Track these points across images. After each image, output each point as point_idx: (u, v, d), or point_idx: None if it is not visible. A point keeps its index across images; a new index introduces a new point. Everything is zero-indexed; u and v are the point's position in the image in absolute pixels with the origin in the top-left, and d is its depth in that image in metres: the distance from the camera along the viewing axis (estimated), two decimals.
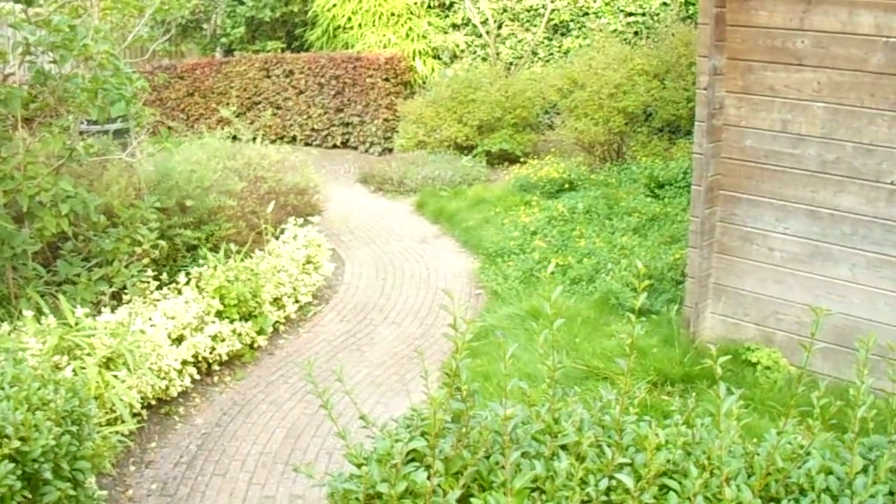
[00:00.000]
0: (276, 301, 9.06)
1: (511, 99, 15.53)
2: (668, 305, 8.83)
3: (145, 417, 7.23)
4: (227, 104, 18.44)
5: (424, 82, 17.74)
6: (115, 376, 6.54)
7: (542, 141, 16.50)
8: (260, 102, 18.59)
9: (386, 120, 17.19)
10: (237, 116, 18.60)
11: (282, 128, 18.46)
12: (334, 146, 18.07)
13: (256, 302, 8.56)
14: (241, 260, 8.90)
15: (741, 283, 7.93)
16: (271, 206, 9.88)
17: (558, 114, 16.84)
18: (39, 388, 4.48)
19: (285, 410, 7.65)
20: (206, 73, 18.90)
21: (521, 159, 15.61)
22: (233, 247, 9.08)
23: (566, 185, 13.01)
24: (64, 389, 4.56)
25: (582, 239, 10.85)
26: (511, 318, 8.81)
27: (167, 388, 7.35)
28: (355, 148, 17.82)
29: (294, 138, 18.47)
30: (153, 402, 7.34)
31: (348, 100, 17.60)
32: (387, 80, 17.13)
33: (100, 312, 7.67)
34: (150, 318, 7.62)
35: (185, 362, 7.59)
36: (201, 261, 8.89)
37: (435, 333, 9.18)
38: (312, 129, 18.19)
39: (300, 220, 10.47)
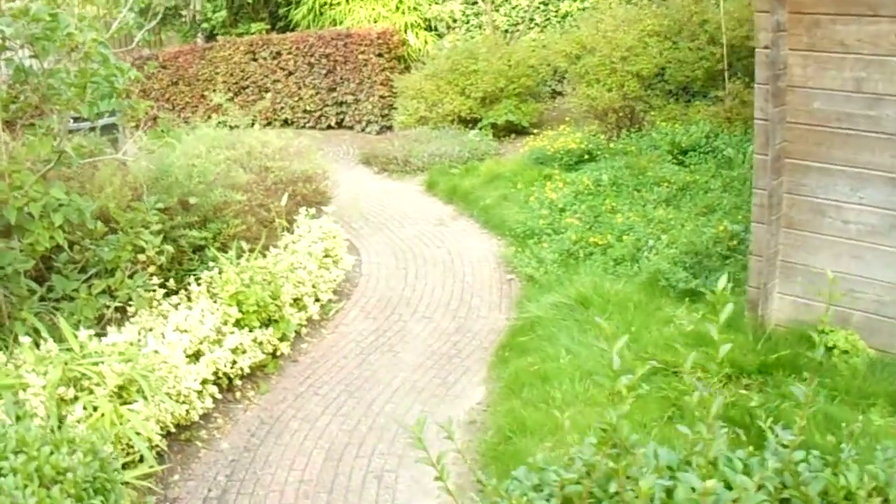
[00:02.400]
0: (296, 302, 8.09)
1: (514, 68, 14.53)
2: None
3: (164, 447, 6.27)
4: (214, 90, 17.45)
5: (418, 56, 16.72)
6: (131, 409, 5.57)
7: (548, 110, 15.53)
8: (248, 87, 17.55)
9: (382, 97, 16.19)
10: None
11: (272, 111, 17.44)
12: (329, 127, 17.07)
13: (276, 305, 7.59)
14: (255, 259, 7.93)
15: (813, 259, 6.99)
16: (285, 199, 8.90)
17: (561, 81, 15.88)
18: (52, 454, 3.51)
19: (320, 428, 6.71)
20: (189, 61, 17.83)
21: (529, 130, 14.65)
22: (244, 245, 8.09)
23: (585, 156, 12.06)
24: (81, 452, 3.60)
25: (617, 214, 9.91)
26: (557, 308, 7.87)
27: (188, 411, 6.39)
28: (351, 128, 16.81)
29: (286, 121, 17.46)
30: (172, 430, 6.38)
31: (341, 78, 16.58)
32: (380, 55, 16.10)
33: (104, 331, 6.71)
34: (161, 335, 6.66)
35: (204, 381, 6.63)
36: (211, 263, 7.91)
37: (471, 327, 8.25)
38: (305, 111, 17.18)
39: (311, 210, 9.52)
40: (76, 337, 5.99)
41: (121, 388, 5.81)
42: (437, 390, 7.17)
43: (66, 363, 5.67)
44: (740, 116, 12.03)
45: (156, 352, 6.15)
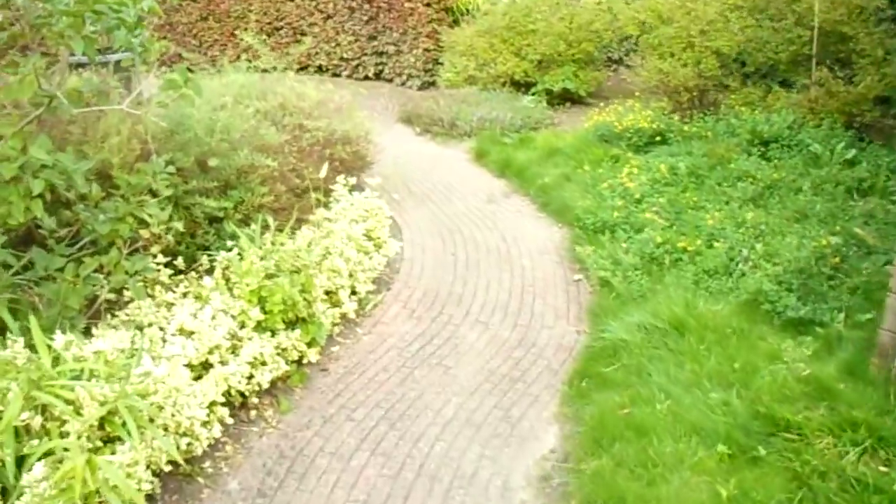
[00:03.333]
0: (329, 296, 6.51)
1: (575, 31, 12.84)
2: (832, 314, 6.37)
3: (157, 488, 4.72)
4: (246, 29, 15.77)
5: (468, 10, 15.00)
6: (110, 461, 4.01)
7: (607, 80, 13.86)
8: (282, 28, 15.88)
9: (427, 50, 14.50)
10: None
11: (306, 56, 15.76)
12: (366, 78, 15.42)
13: (307, 301, 6.01)
14: (283, 239, 6.34)
15: None
16: (324, 170, 7.27)
17: (628, 52, 14.18)
18: None
19: (354, 469, 5.14)
20: None
21: (585, 100, 13.01)
22: (270, 220, 6.50)
23: (657, 138, 10.39)
24: None
25: (700, 212, 8.30)
26: (646, 331, 6.27)
27: (189, 444, 4.84)
28: (390, 80, 15.16)
29: (320, 68, 15.82)
30: (165, 469, 4.81)
31: (383, 27, 14.89)
32: (428, 4, 14.41)
33: (93, 323, 5.16)
34: (162, 341, 5.09)
35: (213, 403, 5.07)
36: (229, 242, 6.32)
37: (535, 340, 6.67)
38: (341, 59, 15.52)
39: (350, 180, 7.93)
40: (49, 347, 4.41)
41: (102, 418, 4.25)
42: (498, 426, 5.59)
43: (30, 385, 4.10)
44: (826, 108, 10.40)
45: (148, 373, 4.57)
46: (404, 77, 14.85)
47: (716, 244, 7.51)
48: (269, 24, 15.94)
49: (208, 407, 4.96)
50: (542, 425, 5.64)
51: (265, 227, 6.45)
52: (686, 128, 10.48)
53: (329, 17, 15.49)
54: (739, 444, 5.09)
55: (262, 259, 6.02)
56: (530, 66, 12.82)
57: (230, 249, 6.18)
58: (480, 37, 13.21)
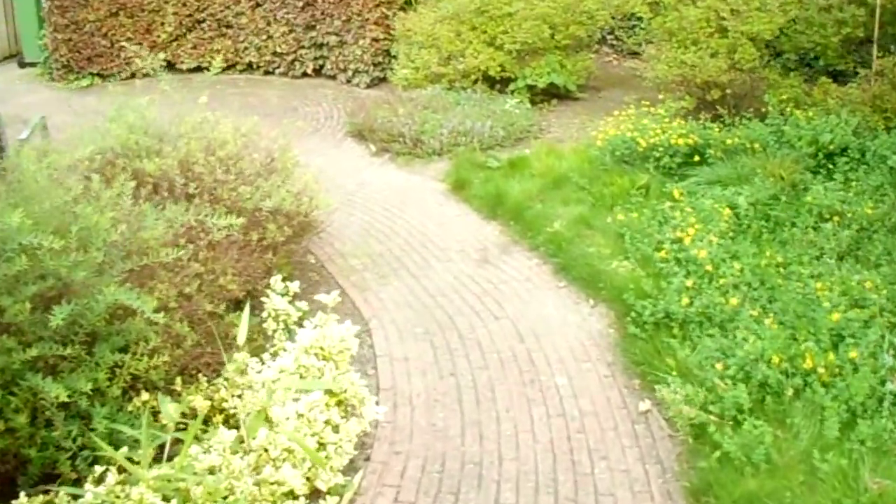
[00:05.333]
0: None
1: (562, 12, 9.88)
2: None
3: None
4: (162, 24, 12.65)
5: None
6: None
7: (602, 68, 11.01)
8: (204, 21, 12.74)
9: (375, 40, 11.46)
10: (174, 41, 12.83)
11: (234, 52, 12.66)
12: (304, 74, 12.36)
13: None
14: (185, 454, 3.43)
15: None
16: (245, 319, 4.26)
17: (614, 31, 11.30)
18: None
19: None
20: None
21: (575, 95, 10.12)
22: (169, 406, 3.61)
23: (694, 156, 7.53)
24: None
25: (803, 285, 5.51)
26: None
27: None
28: (333, 77, 12.11)
29: (250, 65, 12.71)
30: None
31: (322, 13, 11.81)
32: None
33: None
34: None
35: None
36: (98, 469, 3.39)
37: None
38: (274, 54, 12.42)
39: (292, 286, 5.02)
40: None
41: None
42: None
43: None
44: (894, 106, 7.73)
45: None
46: (349, 73, 11.80)
47: (849, 354, 4.71)
48: (190, 16, 12.75)
49: None
50: None
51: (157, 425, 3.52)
52: (727, 139, 7.62)
53: (258, 4, 12.35)
54: None
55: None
56: (508, 59, 9.86)
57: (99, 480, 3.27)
58: (444, 23, 10.20)
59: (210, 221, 4.25)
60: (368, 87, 11.62)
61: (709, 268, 5.61)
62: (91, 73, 12.99)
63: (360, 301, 6.20)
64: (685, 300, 5.32)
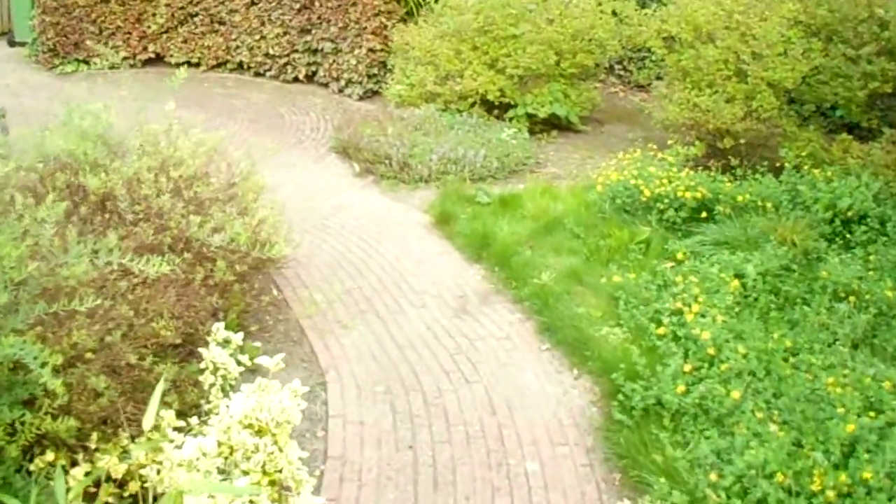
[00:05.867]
0: None
1: (570, 39, 9.25)
2: None
3: None
4: (154, 14, 12.05)
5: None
6: None
7: (607, 99, 10.39)
8: (197, 14, 12.14)
9: (372, 51, 10.83)
10: (165, 33, 12.20)
11: (225, 50, 12.05)
12: (296, 80, 11.73)
13: None
14: None
15: None
16: (155, 402, 3.54)
17: (623, 61, 10.72)
18: None
19: None
20: None
21: (576, 127, 9.51)
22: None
23: (701, 211, 6.90)
24: None
25: (813, 378, 4.86)
26: None
27: None
28: (325, 85, 11.47)
29: (241, 65, 12.09)
30: None
31: (319, 18, 11.18)
32: None
33: None
34: None
35: None
36: None
37: None
38: (267, 55, 11.80)
39: (241, 319, 4.40)
40: None
41: None
42: None
43: None
44: None
45: None
46: (342, 82, 11.16)
47: (857, 464, 4.08)
48: (182, 9, 12.12)
49: None
50: None
51: None
52: (738, 195, 6.99)
53: (253, 2, 11.72)
54: None
55: None
56: (509, 83, 9.22)
57: None
58: (444, 40, 9.56)
59: (137, 267, 3.59)
60: (361, 98, 10.99)
61: (711, 350, 4.97)
62: (77, 60, 12.36)
63: (319, 346, 5.56)
64: (681, 387, 4.67)
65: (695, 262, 6.19)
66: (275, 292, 6.23)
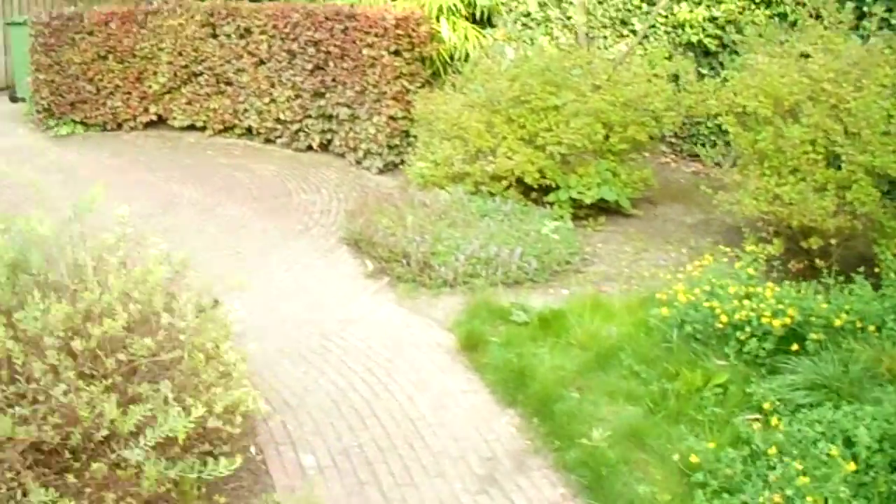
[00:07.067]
0: None
1: (622, 109, 7.92)
2: None
3: None
4: (156, 73, 10.97)
5: (452, 57, 10.12)
6: None
7: (658, 171, 9.04)
8: (201, 74, 11.05)
9: (392, 118, 9.58)
10: (167, 93, 11.10)
11: (232, 113, 10.92)
12: (309, 148, 10.55)
13: None
14: None
15: None
16: None
17: (681, 136, 9.37)
18: None
19: None
20: (125, 28, 11.36)
21: (626, 212, 8.16)
22: None
23: (792, 341, 5.47)
24: None
25: None
26: None
27: None
28: (342, 155, 10.26)
29: (249, 130, 10.92)
30: None
31: (333, 80, 9.98)
32: (397, 52, 9.52)
33: None
34: None
35: None
36: None
37: None
38: (277, 120, 10.64)
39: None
40: None
41: None
42: None
43: None
44: None
45: None
46: (360, 153, 9.91)
47: None
48: (185, 67, 11.03)
49: None
50: None
51: None
52: (834, 316, 5.55)
53: (262, 61, 10.56)
54: None
55: None
56: (549, 163, 7.88)
57: None
58: (474, 111, 8.23)
59: None
60: (381, 172, 9.73)
61: None
62: (73, 121, 11.37)
63: None
64: None
65: (789, 420, 4.76)
66: (253, 450, 4.92)
